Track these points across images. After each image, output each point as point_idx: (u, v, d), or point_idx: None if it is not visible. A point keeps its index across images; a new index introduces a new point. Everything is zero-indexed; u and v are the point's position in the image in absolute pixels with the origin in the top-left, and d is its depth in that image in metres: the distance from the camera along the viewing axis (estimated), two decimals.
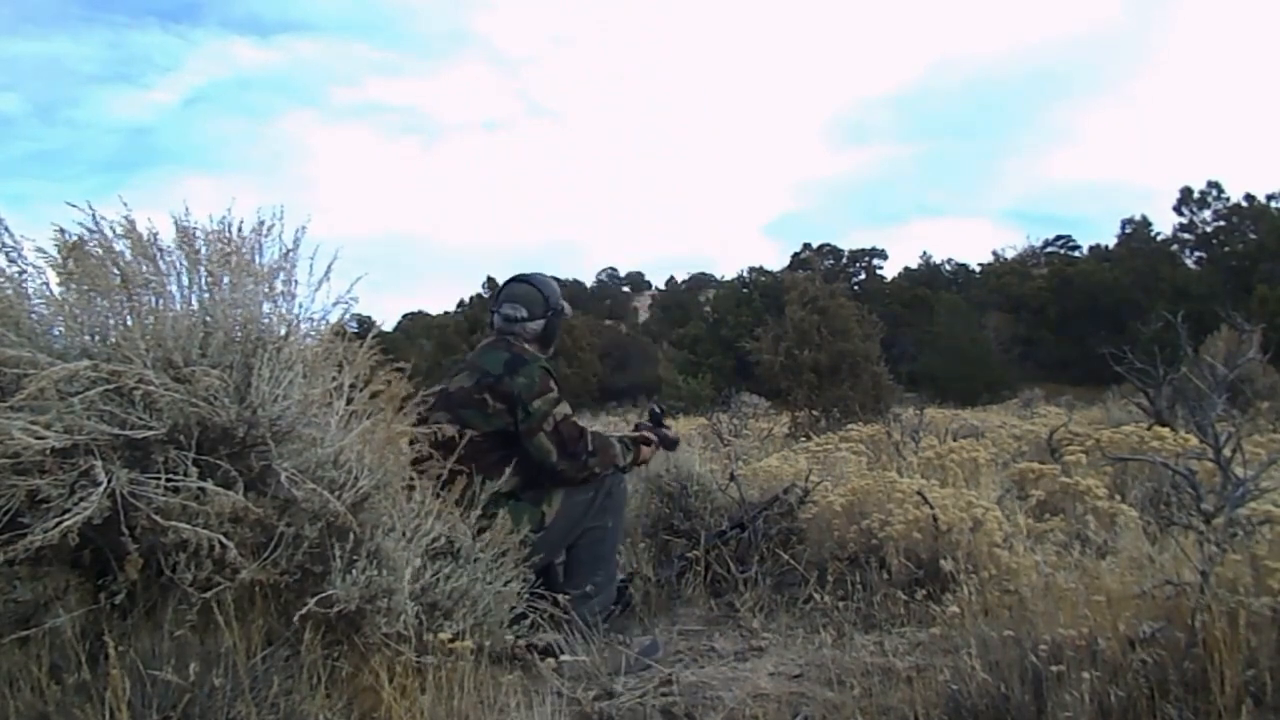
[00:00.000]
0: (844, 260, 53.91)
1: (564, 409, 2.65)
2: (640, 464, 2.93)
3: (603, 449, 2.71)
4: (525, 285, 2.89)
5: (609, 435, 2.84)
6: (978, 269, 50.35)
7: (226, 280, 1.83)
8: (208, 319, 1.78)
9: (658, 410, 3.10)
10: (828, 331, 11.31)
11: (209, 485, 1.59)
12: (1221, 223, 38.85)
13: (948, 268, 51.41)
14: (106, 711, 1.42)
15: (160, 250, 1.80)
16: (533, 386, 2.62)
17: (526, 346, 2.79)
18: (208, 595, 1.58)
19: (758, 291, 40.64)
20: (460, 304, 42.20)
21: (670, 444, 3.08)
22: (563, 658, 2.17)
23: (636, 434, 2.95)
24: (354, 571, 1.74)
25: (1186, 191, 39.73)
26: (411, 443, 2.09)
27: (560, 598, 2.37)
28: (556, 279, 3.02)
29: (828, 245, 54.83)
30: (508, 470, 2.41)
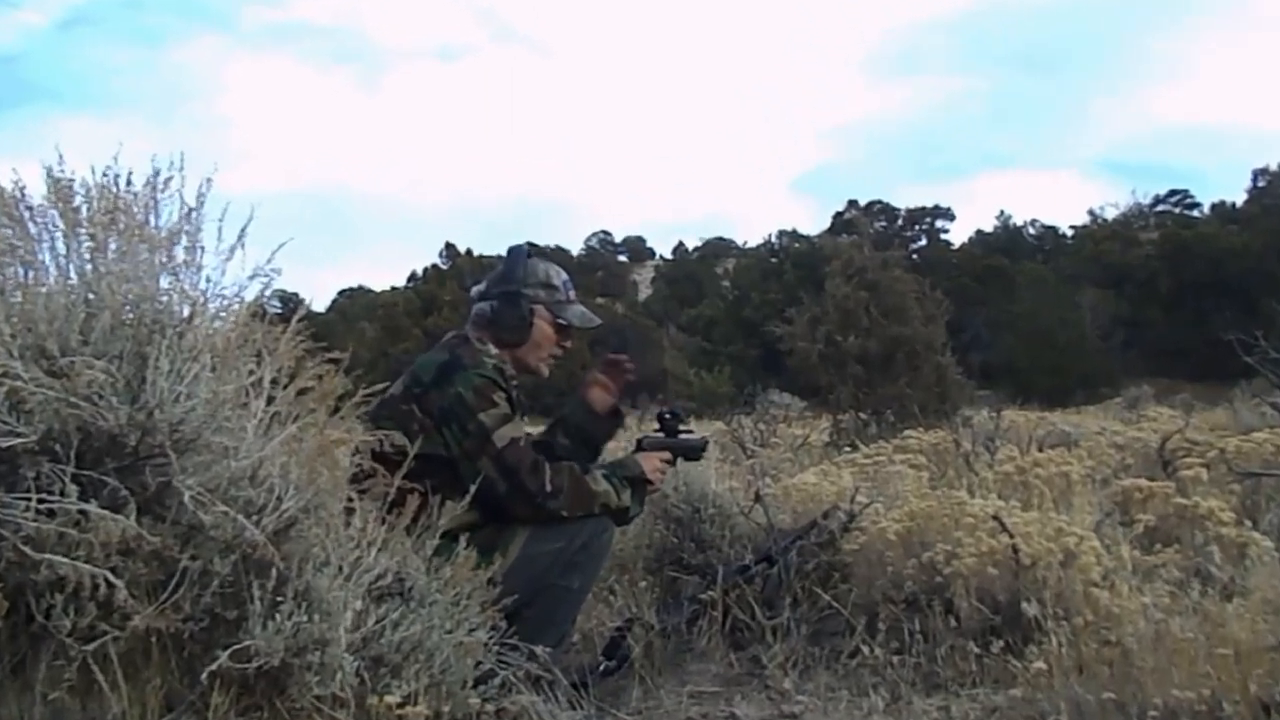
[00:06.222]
0: (899, 222, 54.17)
1: (511, 430, 2.56)
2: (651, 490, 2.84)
3: (574, 489, 2.59)
4: (505, 257, 2.87)
5: (594, 470, 2.72)
6: (1069, 233, 50.63)
7: (113, 247, 1.82)
8: (90, 296, 1.77)
9: (669, 415, 2.99)
10: (879, 312, 11.32)
11: (92, 507, 1.59)
12: None
13: (1031, 231, 51.67)
14: None
15: (29, 209, 1.79)
16: (465, 400, 2.56)
17: (477, 341, 2.75)
18: (91, 648, 1.58)
19: (789, 262, 40.79)
20: (412, 278, 42.35)
21: (693, 452, 2.99)
22: None
23: (640, 456, 2.83)
24: (277, 617, 1.74)
25: None
26: (352, 454, 2.08)
27: (539, 650, 2.35)
28: (543, 254, 2.94)
29: (878, 203, 55.08)
30: (450, 504, 2.27)
